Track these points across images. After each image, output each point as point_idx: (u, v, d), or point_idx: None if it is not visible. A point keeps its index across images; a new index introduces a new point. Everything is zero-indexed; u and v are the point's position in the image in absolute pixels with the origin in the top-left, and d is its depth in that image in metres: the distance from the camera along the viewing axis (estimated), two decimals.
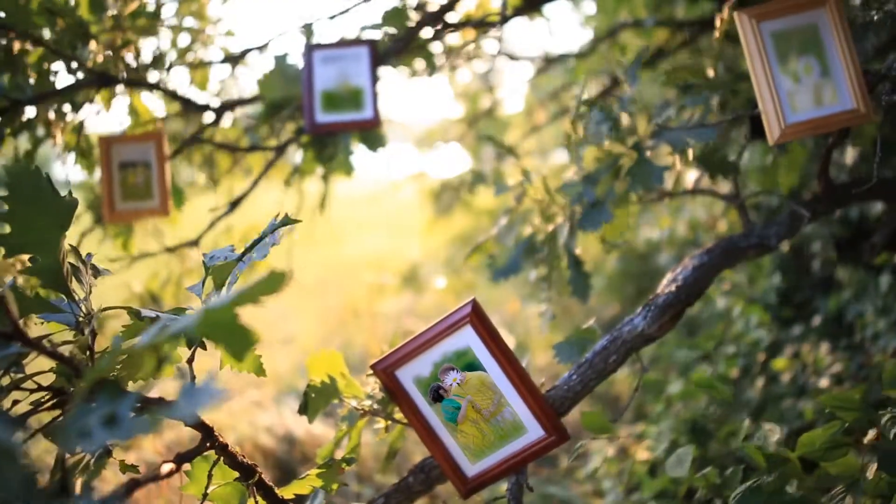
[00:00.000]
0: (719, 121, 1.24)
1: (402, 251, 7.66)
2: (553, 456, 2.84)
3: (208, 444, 0.87)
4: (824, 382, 2.39)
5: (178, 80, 2.20)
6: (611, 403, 3.41)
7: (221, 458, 0.98)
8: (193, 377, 0.90)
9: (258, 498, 1.06)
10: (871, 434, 1.18)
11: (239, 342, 0.59)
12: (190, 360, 0.90)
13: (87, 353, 0.89)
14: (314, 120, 1.83)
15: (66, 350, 0.91)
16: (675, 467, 1.49)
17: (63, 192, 0.89)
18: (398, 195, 6.90)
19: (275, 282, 0.60)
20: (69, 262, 0.98)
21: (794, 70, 1.20)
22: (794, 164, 1.55)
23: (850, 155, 1.92)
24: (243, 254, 0.98)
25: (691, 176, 1.72)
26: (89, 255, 1.05)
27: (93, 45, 1.69)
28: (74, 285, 0.96)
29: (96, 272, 1.06)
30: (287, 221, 1.00)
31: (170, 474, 0.78)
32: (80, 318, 0.91)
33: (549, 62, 3.47)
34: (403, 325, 5.09)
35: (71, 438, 0.57)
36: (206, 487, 1.03)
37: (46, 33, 1.66)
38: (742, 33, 1.20)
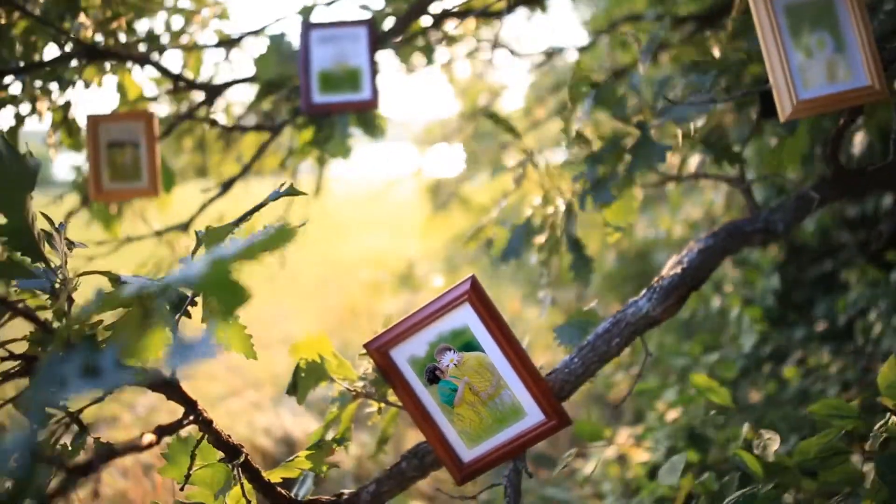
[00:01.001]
0: (730, 97, 1.20)
1: (400, 250, 7.62)
2: (552, 457, 2.79)
3: (191, 418, 0.82)
4: (832, 391, 2.35)
5: (171, 60, 2.14)
6: (611, 406, 3.36)
7: (205, 437, 0.94)
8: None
9: (244, 481, 1.01)
10: (870, 442, 1.14)
11: (233, 295, 0.55)
12: (174, 329, 0.86)
13: (63, 319, 0.85)
14: (311, 100, 1.79)
15: (41, 317, 0.86)
16: (668, 475, 1.45)
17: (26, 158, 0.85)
18: (396, 194, 6.85)
19: (284, 236, 0.56)
20: (41, 228, 0.93)
21: (807, 44, 1.16)
22: (797, 148, 1.50)
23: (858, 144, 1.87)
24: (240, 220, 0.93)
25: (695, 162, 1.68)
26: (62, 223, 1.00)
27: (82, 17, 1.64)
28: (49, 252, 0.92)
29: (70, 245, 1.01)
30: (292, 192, 0.95)
31: (149, 446, 0.73)
32: (56, 284, 0.86)
33: (549, 56, 3.44)
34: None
35: (45, 391, 0.53)
36: (189, 468, 0.98)
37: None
38: (754, 7, 1.16)
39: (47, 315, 0.85)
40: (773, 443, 1.26)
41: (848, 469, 1.19)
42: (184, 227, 2.13)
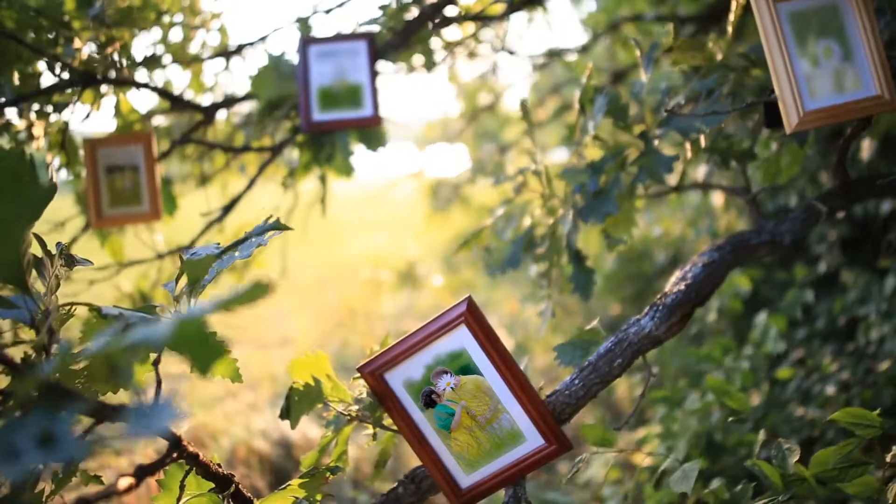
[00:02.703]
0: (733, 108, 1.16)
1: (400, 250, 7.59)
2: (553, 461, 2.76)
3: (175, 455, 0.79)
4: (830, 389, 2.32)
5: (169, 78, 2.11)
6: (611, 408, 3.33)
7: (193, 469, 0.91)
8: (160, 382, 0.82)
9: None
10: (892, 452, 1.10)
11: (206, 353, 0.51)
12: (156, 363, 0.82)
13: (43, 353, 0.81)
14: (311, 118, 1.75)
15: (21, 350, 0.83)
16: (680, 483, 1.41)
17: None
18: (396, 194, 6.81)
19: (257, 293, 0.52)
20: (31, 254, 0.90)
21: (814, 53, 1.12)
22: (797, 155, 1.47)
23: (866, 149, 1.84)
24: (223, 251, 0.90)
25: (700, 169, 1.64)
26: (59, 243, 0.97)
27: (76, 42, 1.60)
28: (36, 280, 0.88)
29: (71, 262, 0.98)
30: (279, 226, 0.92)
31: (128, 489, 0.70)
32: (37, 316, 0.83)
33: (550, 56, 3.40)
34: (401, 326, 5.02)
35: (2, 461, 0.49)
36: (178, 499, 0.95)
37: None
38: (758, 14, 1.12)
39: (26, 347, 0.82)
40: (792, 453, 1.22)
41: (868, 481, 1.16)
42: (186, 249, 2.10)
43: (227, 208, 2.06)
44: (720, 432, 2.16)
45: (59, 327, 0.86)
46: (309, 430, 3.25)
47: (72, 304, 0.88)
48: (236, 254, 0.90)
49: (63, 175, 1.90)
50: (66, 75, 1.65)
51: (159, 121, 2.37)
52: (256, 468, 3.13)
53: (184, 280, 0.84)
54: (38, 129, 1.70)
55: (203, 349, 0.49)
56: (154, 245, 2.20)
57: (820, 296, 2.82)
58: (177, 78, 2.28)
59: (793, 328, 2.79)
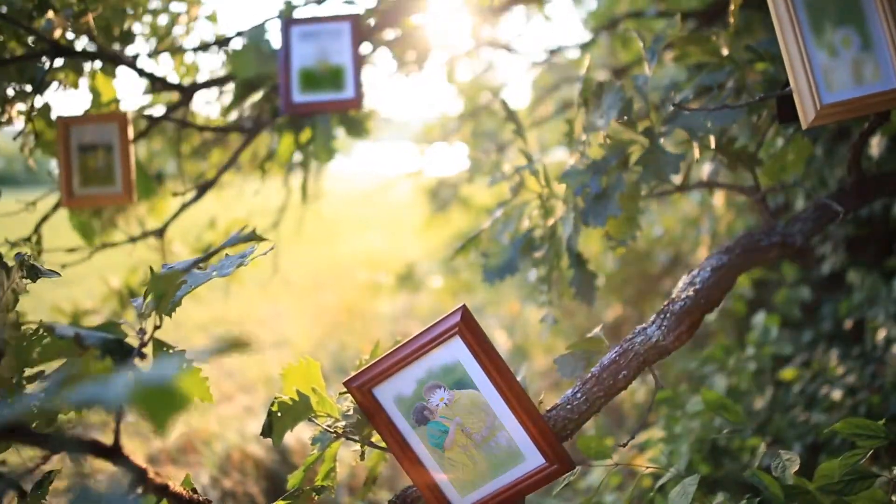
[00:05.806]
0: (744, 102, 1.09)
1: (399, 250, 7.52)
2: None
3: (139, 490, 0.72)
4: (836, 394, 2.25)
5: (154, 60, 2.05)
6: (612, 412, 3.25)
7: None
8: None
9: None
10: None
11: (166, 411, 0.46)
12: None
13: None
14: (291, 99, 1.70)
15: None
16: (680, 498, 1.34)
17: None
18: (395, 193, 6.75)
19: (234, 348, 0.53)
20: None
21: (831, 43, 1.05)
22: (803, 149, 1.40)
23: (875, 146, 1.77)
24: (192, 264, 0.83)
25: (706, 168, 1.57)
26: (19, 254, 0.91)
27: (51, 14, 1.54)
28: None
29: (34, 274, 0.91)
30: (253, 237, 0.85)
31: None
32: None
33: (550, 53, 3.33)
34: (399, 327, 4.94)
35: None
36: None
37: None
38: (772, 1, 1.05)
39: None
40: (792, 464, 1.16)
41: (875, 495, 1.09)
42: (159, 232, 2.04)
43: (203, 189, 2.00)
44: (724, 439, 2.10)
45: (28, 350, 0.80)
46: (305, 434, 3.18)
47: (24, 323, 0.81)
48: (214, 272, 0.84)
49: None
50: (39, 46, 1.59)
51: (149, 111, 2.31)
52: (251, 474, 3.06)
53: (151, 296, 0.77)
54: (11, 107, 1.64)
55: (162, 409, 0.43)
56: (142, 229, 2.14)
57: (825, 297, 2.75)
58: (160, 61, 2.23)
59: (798, 330, 2.72)
